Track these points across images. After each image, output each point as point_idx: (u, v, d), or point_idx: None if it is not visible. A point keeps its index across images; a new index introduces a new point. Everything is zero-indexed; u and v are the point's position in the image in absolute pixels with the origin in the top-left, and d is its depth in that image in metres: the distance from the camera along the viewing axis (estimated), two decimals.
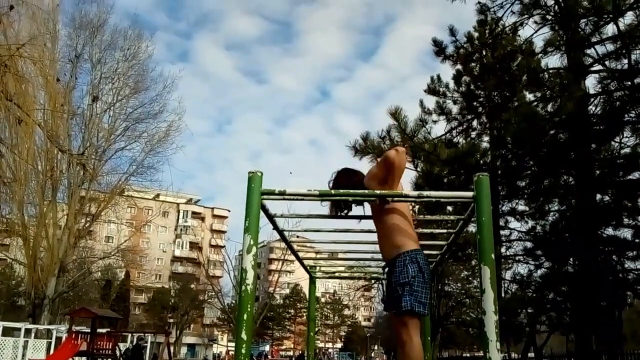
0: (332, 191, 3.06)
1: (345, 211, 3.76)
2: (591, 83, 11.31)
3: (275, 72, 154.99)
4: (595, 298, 11.03)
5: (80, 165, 22.26)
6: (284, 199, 3.11)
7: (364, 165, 12.08)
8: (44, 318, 28.46)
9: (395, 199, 3.28)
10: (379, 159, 3.61)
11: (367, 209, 3.74)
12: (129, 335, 31.02)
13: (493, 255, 2.85)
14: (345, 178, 3.76)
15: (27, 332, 24.18)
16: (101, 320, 23.08)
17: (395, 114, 10.13)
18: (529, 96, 11.89)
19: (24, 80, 9.91)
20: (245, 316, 2.83)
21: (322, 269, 6.28)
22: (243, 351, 2.80)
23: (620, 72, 10.36)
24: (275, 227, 3.95)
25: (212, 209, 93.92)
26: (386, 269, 3.59)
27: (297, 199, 3.16)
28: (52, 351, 23.04)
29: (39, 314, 28.83)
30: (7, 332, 24.59)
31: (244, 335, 2.80)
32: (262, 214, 3.33)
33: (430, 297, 3.43)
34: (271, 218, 3.66)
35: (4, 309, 50.82)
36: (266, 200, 3.18)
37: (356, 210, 3.78)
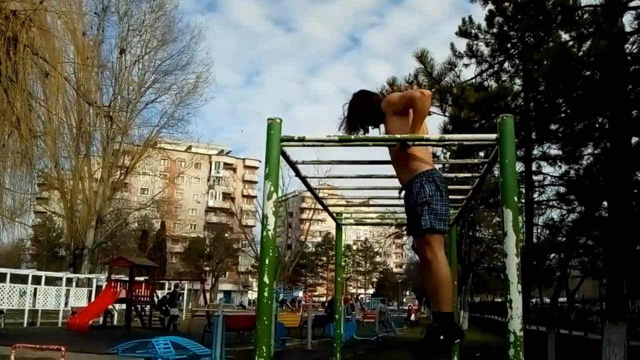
0: (352, 136, 3.03)
1: (362, 131, 3.73)
2: (628, 20, 10.79)
3: (304, 20, 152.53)
4: (629, 242, 10.86)
5: (107, 117, 22.44)
6: (304, 145, 3.08)
7: None
8: (84, 268, 29.53)
9: (417, 142, 3.23)
10: (402, 92, 3.51)
11: (383, 148, 3.67)
12: (166, 282, 32.04)
13: (516, 198, 2.79)
14: (361, 101, 3.70)
15: (69, 281, 25.15)
16: (139, 268, 23.80)
17: (422, 57, 9.87)
18: (565, 36, 11.44)
19: (49, 34, 9.93)
20: (267, 261, 2.86)
21: (350, 215, 6.30)
22: (266, 294, 2.83)
23: None
24: (298, 174, 3.93)
25: (244, 159, 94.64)
26: (402, 194, 3.56)
27: (316, 145, 3.13)
28: (93, 298, 23.94)
29: (79, 264, 29.90)
30: (50, 281, 25.59)
31: (266, 279, 2.84)
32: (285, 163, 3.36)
33: (449, 213, 3.39)
34: (292, 165, 3.65)
35: (46, 259, 52.89)
36: (288, 147, 3.16)
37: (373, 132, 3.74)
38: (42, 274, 24.69)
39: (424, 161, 3.39)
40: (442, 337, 3.19)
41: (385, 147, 3.53)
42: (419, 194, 3.29)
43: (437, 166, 3.92)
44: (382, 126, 3.65)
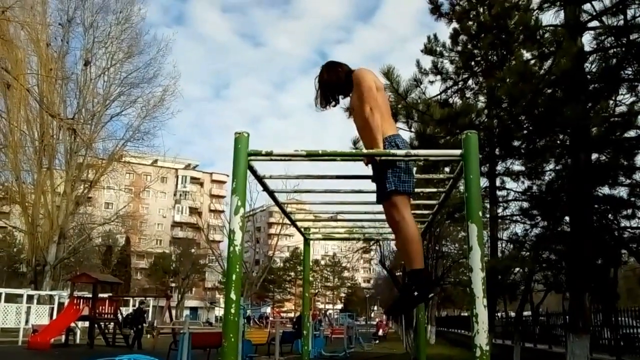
0: (319, 150, 3.03)
1: (333, 103, 3.81)
2: (587, 40, 11.15)
3: (273, 35, 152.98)
4: (591, 257, 11.10)
5: (70, 130, 22.02)
6: (271, 160, 3.09)
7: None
8: (46, 284, 28.76)
9: (383, 158, 3.26)
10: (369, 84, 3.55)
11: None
12: (131, 299, 31.40)
13: (480, 213, 2.84)
14: (328, 73, 3.75)
15: (30, 298, 24.42)
16: (102, 285, 23.29)
17: (388, 74, 10.01)
18: (527, 55, 11.73)
19: (12, 44, 9.74)
20: (233, 277, 2.84)
21: (317, 230, 6.30)
22: (232, 310, 2.82)
23: (616, 29, 10.20)
24: (265, 189, 3.94)
25: (211, 174, 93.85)
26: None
27: (284, 160, 3.14)
28: (54, 316, 23.30)
29: (40, 280, 29.11)
30: (10, 298, 24.83)
31: (233, 295, 2.82)
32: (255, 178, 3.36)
33: (412, 175, 3.44)
34: (260, 179, 3.65)
35: (6, 276, 51.31)
36: (255, 161, 3.16)
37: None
38: (2, 290, 23.94)
39: (388, 125, 3.48)
40: (416, 293, 3.25)
41: (351, 161, 3.56)
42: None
43: None
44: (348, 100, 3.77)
